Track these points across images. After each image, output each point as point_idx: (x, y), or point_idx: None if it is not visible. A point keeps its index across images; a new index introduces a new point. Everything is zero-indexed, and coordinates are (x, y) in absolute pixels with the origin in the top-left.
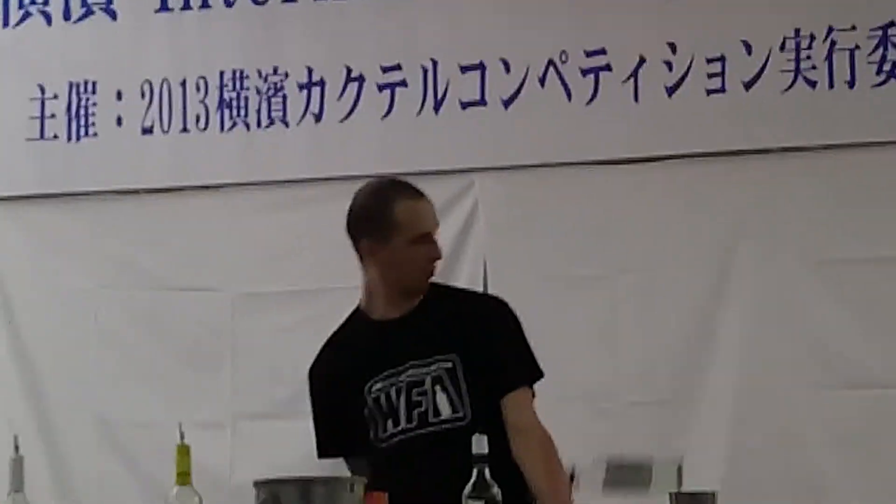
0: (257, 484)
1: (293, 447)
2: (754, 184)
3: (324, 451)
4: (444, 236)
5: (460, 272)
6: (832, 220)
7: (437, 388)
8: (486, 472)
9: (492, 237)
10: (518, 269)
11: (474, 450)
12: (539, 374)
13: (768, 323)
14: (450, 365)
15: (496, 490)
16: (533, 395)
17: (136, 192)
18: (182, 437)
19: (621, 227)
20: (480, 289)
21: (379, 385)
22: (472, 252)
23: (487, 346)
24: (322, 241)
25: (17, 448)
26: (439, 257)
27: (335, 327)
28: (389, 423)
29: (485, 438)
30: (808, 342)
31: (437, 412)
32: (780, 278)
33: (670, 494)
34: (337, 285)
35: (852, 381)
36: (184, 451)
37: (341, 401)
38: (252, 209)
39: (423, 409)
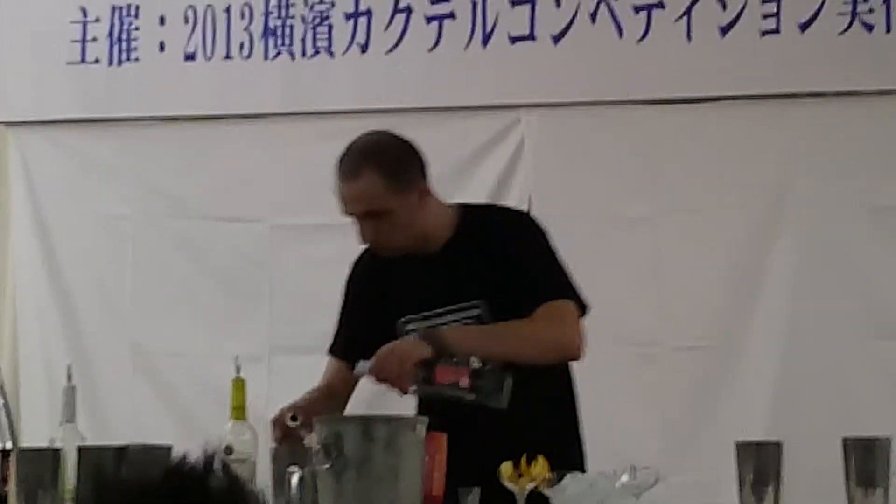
0: (318, 421)
1: None
2: (807, 127)
3: (338, 350)
4: (489, 173)
5: None
6: (886, 165)
7: None
8: None
9: (537, 175)
10: (563, 209)
11: None
12: (577, 297)
13: (819, 270)
14: (477, 312)
15: None
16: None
17: (176, 119)
18: (238, 370)
19: (670, 168)
20: None
21: (414, 326)
22: (518, 190)
23: (517, 278)
24: None
25: (69, 377)
26: (366, 240)
27: None
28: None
29: None
30: (858, 290)
31: None
32: (832, 224)
33: (736, 444)
34: None
35: None
36: (240, 384)
37: (371, 311)
38: (293, 140)
39: None
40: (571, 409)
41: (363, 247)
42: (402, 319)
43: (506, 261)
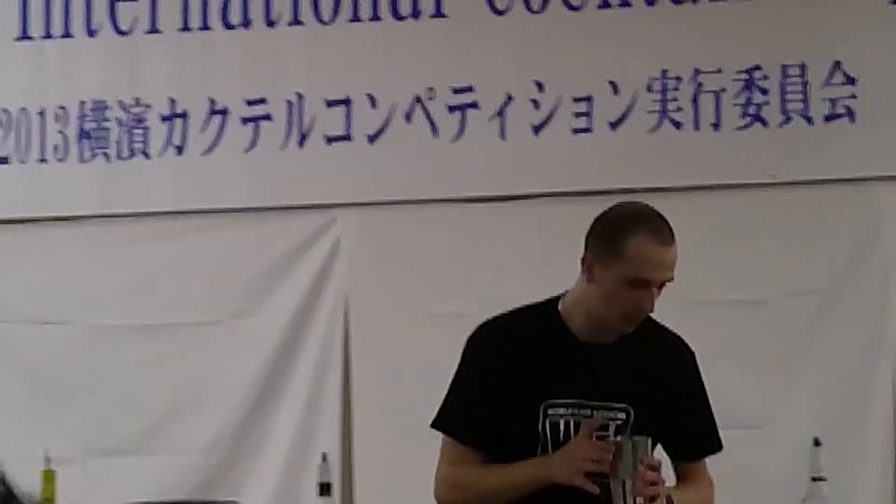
0: None
1: (144, 484)
2: None
3: (462, 431)
4: (306, 272)
5: (321, 309)
6: (695, 261)
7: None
8: None
9: (354, 274)
10: (380, 307)
11: None
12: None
13: None
14: (623, 416)
15: None
16: None
17: None
18: (48, 461)
19: (485, 264)
20: (341, 327)
21: (562, 410)
22: (334, 289)
23: (675, 405)
24: (181, 274)
25: None
26: (648, 310)
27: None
28: None
29: None
30: None
31: None
32: None
33: None
34: (194, 321)
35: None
36: (50, 476)
37: (509, 396)
38: (110, 242)
39: None
40: None
41: (483, 322)
42: (549, 402)
43: (673, 385)
